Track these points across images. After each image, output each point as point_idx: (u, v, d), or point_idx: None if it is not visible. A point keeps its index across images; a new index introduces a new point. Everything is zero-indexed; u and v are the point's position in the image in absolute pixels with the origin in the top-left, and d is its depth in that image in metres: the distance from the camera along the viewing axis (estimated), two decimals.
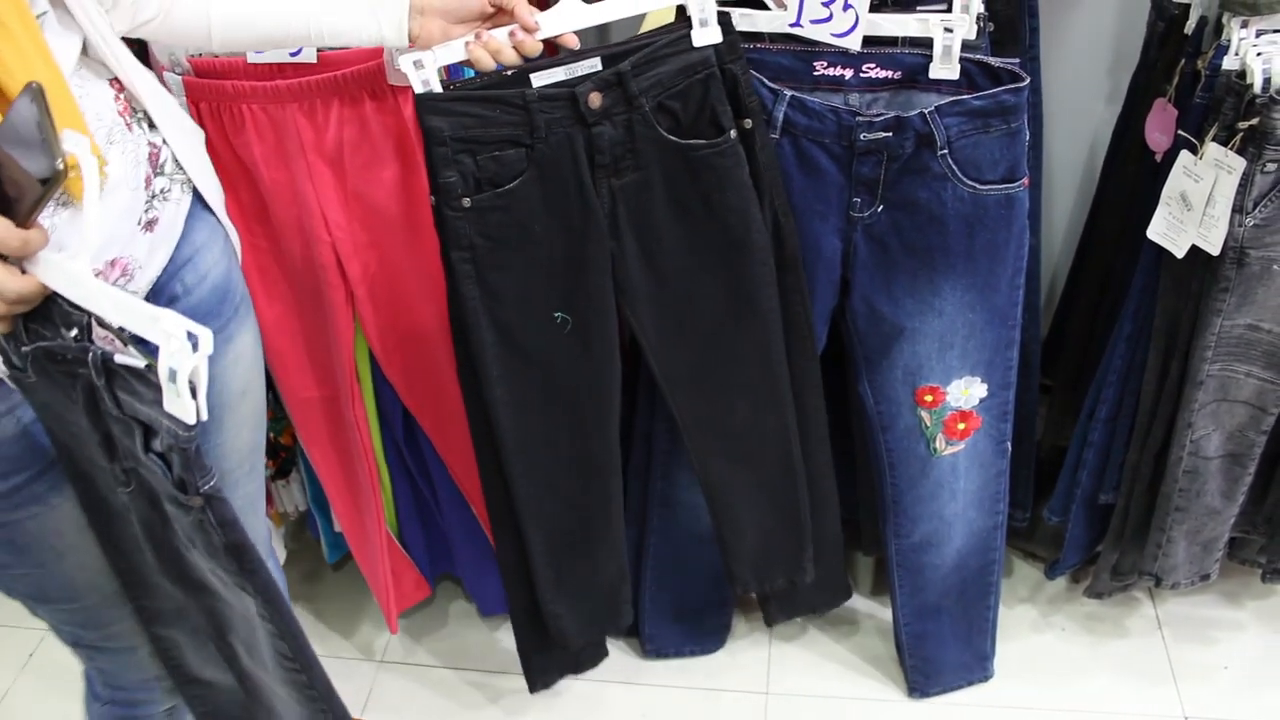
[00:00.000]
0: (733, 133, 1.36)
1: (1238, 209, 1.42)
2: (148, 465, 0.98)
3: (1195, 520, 1.67)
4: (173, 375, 0.88)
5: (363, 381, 1.72)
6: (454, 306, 1.41)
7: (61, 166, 0.93)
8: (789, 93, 1.42)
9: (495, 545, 1.64)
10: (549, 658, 1.77)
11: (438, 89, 1.29)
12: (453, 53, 1.28)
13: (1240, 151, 1.39)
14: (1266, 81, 1.36)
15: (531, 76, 1.31)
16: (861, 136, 1.39)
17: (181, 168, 1.18)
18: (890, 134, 1.39)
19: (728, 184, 1.38)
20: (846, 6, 1.39)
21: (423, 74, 1.27)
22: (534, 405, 1.48)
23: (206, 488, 0.97)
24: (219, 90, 1.46)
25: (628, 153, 1.36)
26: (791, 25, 1.42)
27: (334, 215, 1.52)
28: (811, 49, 1.44)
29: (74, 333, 0.98)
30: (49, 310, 0.99)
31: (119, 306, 0.95)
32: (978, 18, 1.41)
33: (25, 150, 0.93)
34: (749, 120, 1.38)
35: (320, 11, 1.24)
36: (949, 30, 1.37)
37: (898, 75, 1.43)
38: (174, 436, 0.92)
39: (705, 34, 1.34)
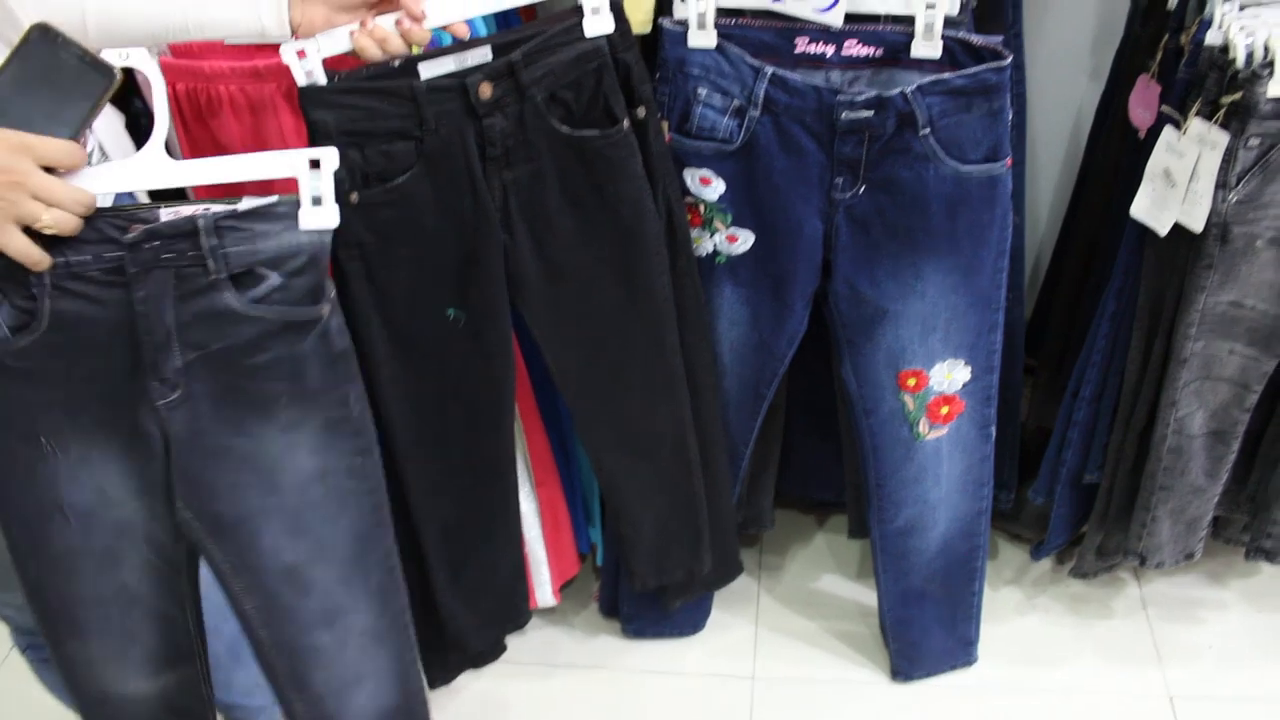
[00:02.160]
0: (626, 122, 1.35)
1: (1221, 185, 1.41)
2: (245, 315, 1.07)
3: (1179, 499, 1.67)
4: (316, 198, 1.05)
5: None
6: (342, 306, 1.37)
7: (119, 73, 1.02)
8: (770, 69, 1.40)
9: None
10: (446, 655, 1.73)
11: (322, 80, 1.25)
12: (337, 42, 1.23)
13: (1224, 126, 1.39)
14: (1249, 56, 1.36)
15: (420, 67, 1.28)
16: (843, 115, 1.38)
17: (106, 156, 1.18)
18: (872, 113, 1.37)
19: (621, 174, 1.37)
20: None
21: (306, 65, 1.23)
22: (426, 403, 1.45)
23: (333, 293, 1.11)
24: (195, 71, 1.44)
25: (519, 144, 1.34)
26: (773, 1, 1.41)
27: None
28: (793, 25, 1.43)
29: (131, 235, 1.03)
30: (83, 233, 1.03)
31: (222, 166, 1.08)
32: None
33: (52, 88, 1.01)
34: (642, 109, 1.37)
35: (196, 4, 1.19)
36: (931, 7, 1.36)
37: (879, 53, 1.42)
38: (313, 246, 1.07)
39: (597, 23, 1.32)
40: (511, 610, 1.72)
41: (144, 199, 1.25)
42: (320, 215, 1.06)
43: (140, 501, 1.16)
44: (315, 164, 1.05)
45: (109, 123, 1.24)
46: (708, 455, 1.62)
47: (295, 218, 1.06)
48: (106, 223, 1.04)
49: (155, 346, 1.08)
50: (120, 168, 1.06)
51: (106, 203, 1.10)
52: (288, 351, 1.11)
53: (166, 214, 1.05)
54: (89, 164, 1.11)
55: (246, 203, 1.05)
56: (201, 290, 1.06)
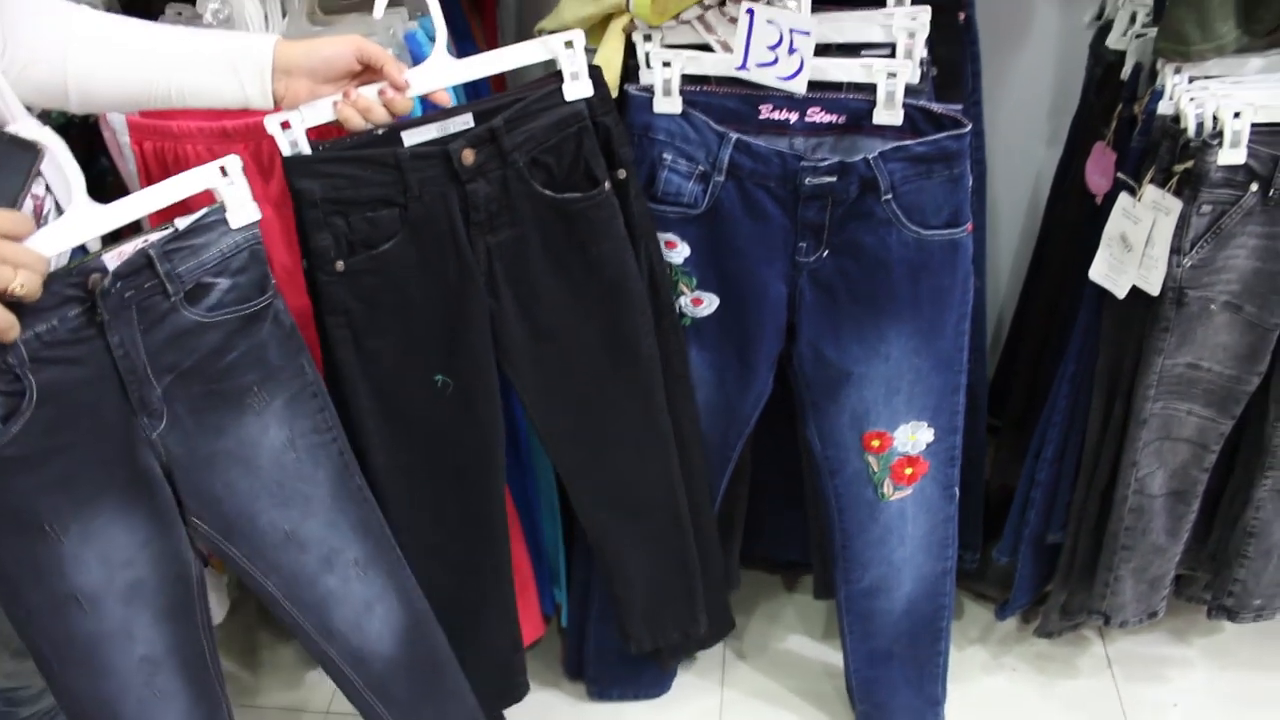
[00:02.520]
0: (607, 184, 1.37)
1: (1175, 250, 1.44)
2: (208, 324, 1.14)
3: (1142, 558, 1.68)
4: (236, 201, 1.14)
5: None
6: (329, 373, 1.38)
7: (42, 145, 1.05)
8: (735, 135, 1.42)
9: None
10: None
11: (306, 150, 1.26)
12: (320, 112, 1.25)
13: (1177, 193, 1.42)
14: (1200, 126, 1.39)
15: (403, 135, 1.30)
16: (806, 181, 1.40)
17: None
18: (834, 179, 1.39)
19: (604, 235, 1.39)
20: (792, 50, 1.40)
21: (290, 135, 1.25)
22: (416, 471, 1.45)
23: (273, 282, 1.19)
24: (163, 130, 1.44)
25: (503, 209, 1.35)
26: (738, 68, 1.43)
27: (279, 258, 1.50)
28: (757, 92, 1.45)
29: (104, 283, 1.07)
30: (43, 298, 1.05)
31: (147, 197, 1.12)
32: (921, 62, 1.43)
33: None
34: (623, 171, 1.39)
35: (180, 73, 1.21)
36: (892, 76, 1.39)
37: (842, 120, 1.45)
38: (248, 242, 1.16)
39: (576, 88, 1.34)
40: (509, 685, 1.69)
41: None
42: (245, 212, 1.16)
43: (149, 550, 1.18)
44: (224, 171, 1.14)
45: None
46: (696, 512, 1.62)
47: (225, 221, 1.15)
48: (60, 284, 1.05)
49: (137, 383, 1.12)
50: (58, 227, 1.08)
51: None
52: (250, 343, 1.19)
53: (110, 257, 1.08)
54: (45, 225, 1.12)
55: (180, 222, 1.12)
56: (163, 315, 1.12)
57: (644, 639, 1.68)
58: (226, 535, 1.24)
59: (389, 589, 1.39)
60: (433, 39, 1.31)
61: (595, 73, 1.35)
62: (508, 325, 1.41)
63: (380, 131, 1.29)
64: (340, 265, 1.31)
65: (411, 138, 1.30)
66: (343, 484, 1.31)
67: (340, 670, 1.37)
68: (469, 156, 1.30)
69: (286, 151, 1.25)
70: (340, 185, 1.28)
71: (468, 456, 1.47)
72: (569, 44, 1.32)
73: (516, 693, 1.71)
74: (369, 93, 1.25)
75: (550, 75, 1.35)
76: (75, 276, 1.06)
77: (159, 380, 1.14)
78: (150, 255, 1.10)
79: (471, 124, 1.32)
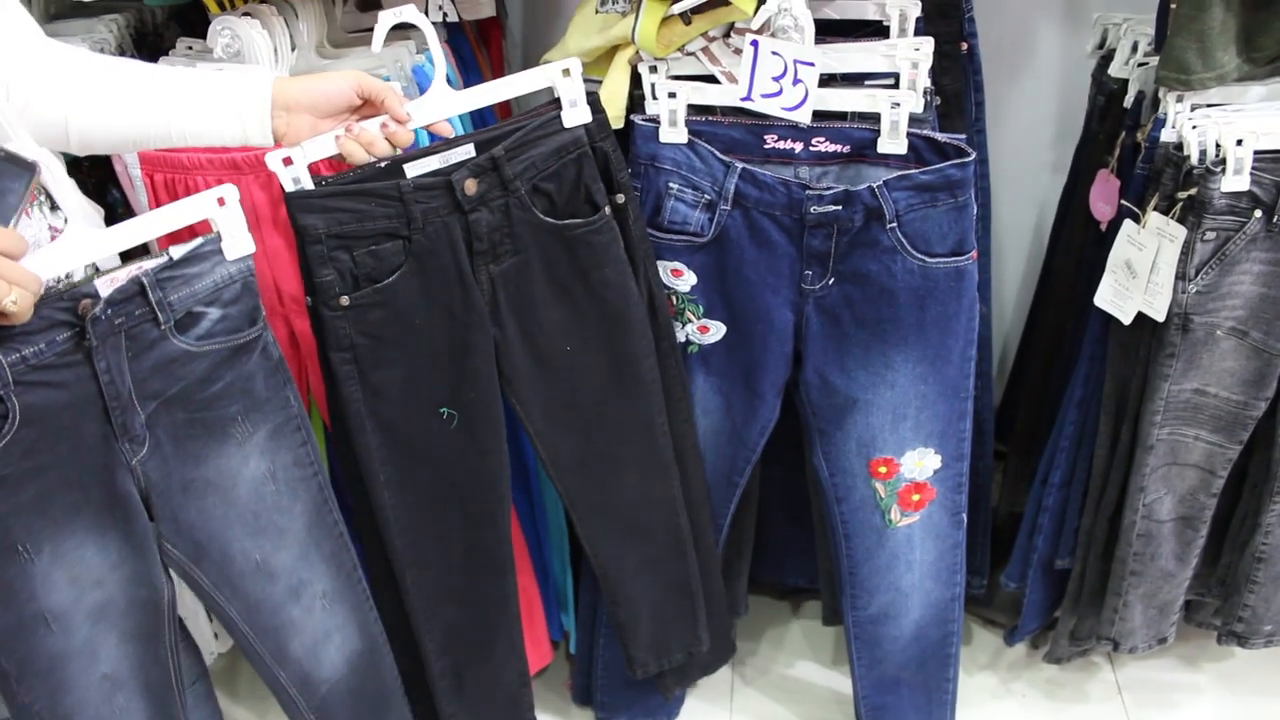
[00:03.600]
0: (607, 209, 1.38)
1: (1181, 276, 1.45)
2: (196, 352, 1.15)
3: (1150, 584, 1.68)
4: (231, 232, 1.15)
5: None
6: (335, 409, 1.39)
7: (38, 166, 1.04)
8: (740, 165, 1.44)
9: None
10: None
11: (309, 186, 1.27)
12: (323, 147, 1.26)
13: (1181, 220, 1.42)
14: (1203, 153, 1.40)
15: (406, 167, 1.31)
16: (811, 209, 1.41)
17: None
18: (839, 207, 1.41)
19: (605, 260, 1.40)
20: (796, 81, 1.41)
21: (292, 171, 1.25)
22: (423, 503, 1.45)
23: (264, 313, 1.20)
24: (174, 161, 1.45)
25: (505, 237, 1.36)
26: (742, 99, 1.44)
27: (288, 288, 1.51)
28: (762, 122, 1.46)
29: (95, 309, 1.07)
30: (32, 321, 1.05)
31: (143, 224, 1.13)
32: (924, 92, 1.44)
33: None
34: (621, 195, 1.40)
35: (180, 112, 1.21)
36: (896, 105, 1.40)
37: (847, 149, 1.46)
38: (242, 274, 1.16)
39: (575, 114, 1.35)
40: (516, 718, 1.68)
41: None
42: (240, 244, 1.16)
43: (120, 572, 1.17)
44: (221, 202, 1.15)
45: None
46: (698, 534, 1.62)
47: (220, 252, 1.15)
48: (50, 308, 1.06)
49: (121, 409, 1.12)
50: (53, 250, 1.08)
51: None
52: (237, 373, 1.20)
53: (103, 283, 1.09)
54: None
55: (175, 251, 1.13)
56: (152, 343, 1.13)
57: (649, 663, 1.68)
58: (196, 560, 1.24)
59: (350, 620, 1.38)
60: None
61: (593, 99, 1.36)
62: (511, 352, 1.42)
63: (383, 164, 1.30)
64: (345, 300, 1.31)
65: (414, 169, 1.31)
66: (319, 518, 1.31)
67: (286, 691, 1.37)
68: (471, 186, 1.31)
69: (289, 187, 1.26)
70: (344, 220, 1.28)
71: (474, 486, 1.47)
72: (566, 72, 1.33)
73: None
74: (371, 126, 1.26)
75: (549, 103, 1.36)
76: (66, 301, 1.06)
77: (143, 406, 1.14)
78: (143, 283, 1.10)
79: (473, 153, 1.33)
